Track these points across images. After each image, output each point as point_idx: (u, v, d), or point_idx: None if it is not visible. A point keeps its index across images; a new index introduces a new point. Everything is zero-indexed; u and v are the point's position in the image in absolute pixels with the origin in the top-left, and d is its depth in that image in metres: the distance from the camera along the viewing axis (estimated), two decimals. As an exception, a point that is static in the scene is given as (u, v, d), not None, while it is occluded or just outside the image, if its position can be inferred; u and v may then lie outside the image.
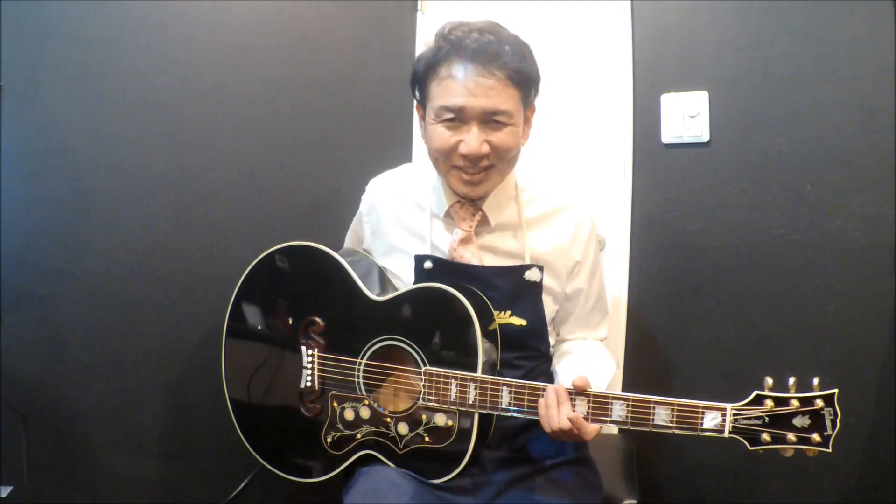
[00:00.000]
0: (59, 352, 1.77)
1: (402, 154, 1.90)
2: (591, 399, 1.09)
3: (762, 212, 1.63)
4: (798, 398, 1.01)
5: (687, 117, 1.68)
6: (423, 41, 1.87)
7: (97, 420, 1.78)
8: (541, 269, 1.26)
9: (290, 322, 1.32)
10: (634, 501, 1.35)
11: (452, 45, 1.16)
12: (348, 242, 1.54)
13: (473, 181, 1.21)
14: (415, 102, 1.30)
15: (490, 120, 1.17)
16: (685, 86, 1.70)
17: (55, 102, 1.76)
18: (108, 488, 1.79)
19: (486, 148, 1.17)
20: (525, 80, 1.19)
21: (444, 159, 1.22)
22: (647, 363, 1.73)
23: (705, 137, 1.68)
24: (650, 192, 1.74)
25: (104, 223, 1.78)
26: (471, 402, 1.16)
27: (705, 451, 1.68)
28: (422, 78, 1.21)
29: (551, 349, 1.38)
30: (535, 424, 1.22)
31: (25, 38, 1.74)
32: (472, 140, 1.16)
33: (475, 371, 1.16)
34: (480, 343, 1.16)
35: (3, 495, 1.64)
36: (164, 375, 1.81)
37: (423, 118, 1.26)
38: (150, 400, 1.81)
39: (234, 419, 1.37)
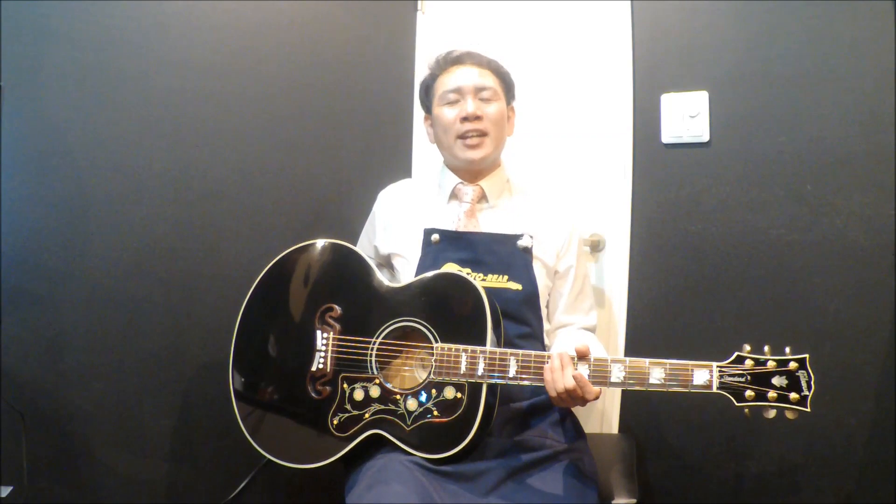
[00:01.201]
0: (59, 352, 1.77)
1: (401, 152, 1.90)
2: (592, 363, 1.19)
3: (762, 212, 1.63)
4: (774, 360, 1.12)
5: (687, 117, 1.69)
6: (424, 42, 1.90)
7: (97, 420, 1.78)
8: (531, 237, 1.44)
9: (307, 309, 1.38)
10: (634, 501, 1.36)
11: (450, 58, 1.51)
12: (360, 250, 1.56)
13: (474, 144, 1.46)
14: (423, 116, 1.57)
15: (480, 96, 1.47)
16: (685, 86, 1.70)
17: (55, 102, 1.76)
18: (108, 488, 1.79)
19: (479, 111, 1.45)
20: (504, 75, 1.53)
21: (451, 130, 1.47)
22: (647, 363, 1.73)
23: (705, 137, 1.68)
24: (650, 192, 1.74)
25: (104, 223, 1.78)
26: (480, 374, 1.23)
27: (705, 451, 1.68)
28: (429, 83, 1.53)
29: (546, 336, 1.46)
30: (537, 411, 1.35)
31: (25, 38, 1.74)
32: (469, 105, 1.45)
33: (483, 345, 1.24)
34: (489, 320, 1.25)
35: (3, 495, 1.64)
36: (164, 375, 1.81)
37: (431, 125, 1.55)
38: (150, 400, 1.81)
39: (234, 407, 1.36)
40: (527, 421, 1.35)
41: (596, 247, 1.80)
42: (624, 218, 1.76)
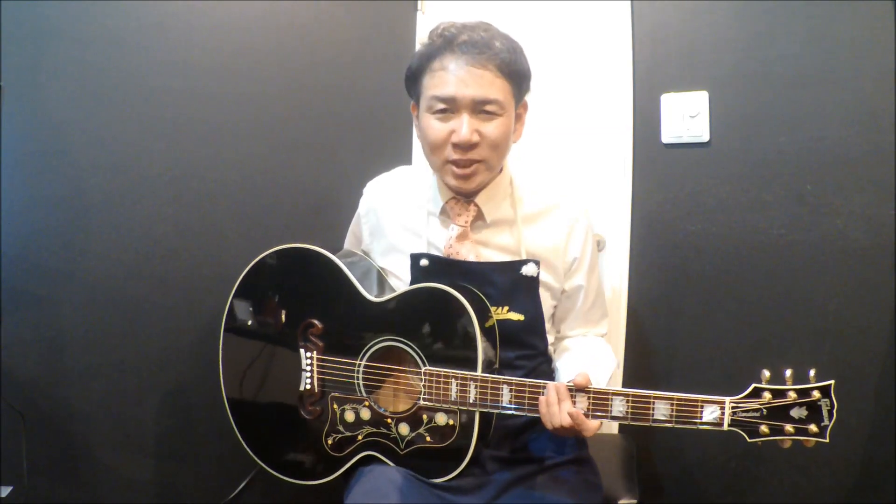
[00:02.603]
0: (59, 352, 1.77)
1: (401, 154, 1.90)
2: (591, 395, 1.10)
3: (762, 212, 1.63)
4: (795, 390, 1.02)
5: (687, 117, 1.68)
6: (421, 41, 1.89)
7: (97, 420, 1.78)
8: (537, 263, 1.26)
9: (288, 325, 1.32)
10: (634, 501, 1.36)
11: (445, 40, 1.20)
12: (348, 244, 1.54)
13: (464, 175, 1.22)
14: (411, 103, 1.32)
15: (481, 110, 1.19)
16: (685, 86, 1.69)
17: (55, 102, 1.76)
18: (108, 488, 1.79)
19: (476, 137, 1.19)
20: (516, 74, 1.22)
21: (438, 152, 1.23)
22: (646, 363, 1.73)
23: (705, 137, 1.68)
24: (650, 192, 1.74)
25: (104, 223, 1.78)
26: (471, 401, 1.16)
27: (705, 451, 1.68)
28: (416, 73, 1.24)
29: (551, 346, 1.38)
30: (536, 423, 1.23)
31: (25, 38, 1.74)
32: (463, 128, 1.17)
33: (475, 370, 1.16)
34: (480, 342, 1.16)
35: (3, 495, 1.64)
36: (164, 375, 1.81)
37: (417, 117, 1.29)
38: (150, 400, 1.81)
39: (233, 423, 1.37)
40: (526, 433, 1.30)
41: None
42: (624, 217, 1.76)
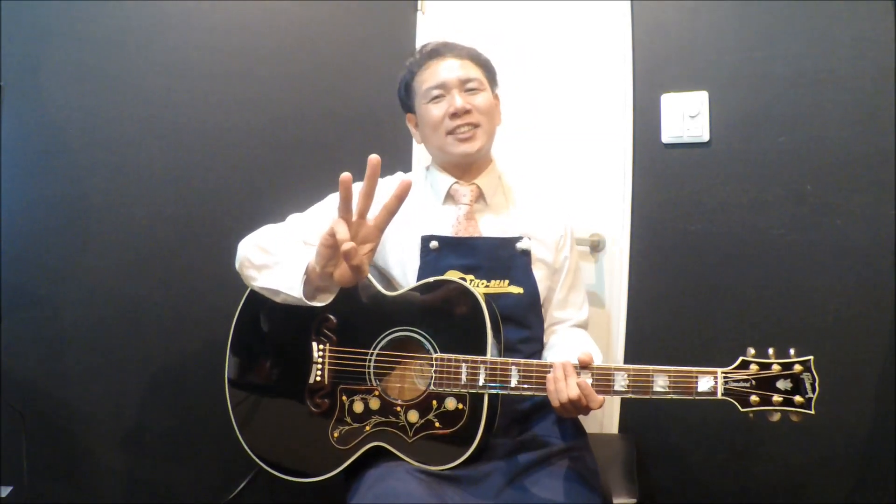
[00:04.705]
0: (59, 352, 1.77)
1: (401, 154, 1.90)
2: (595, 372, 1.17)
3: (762, 212, 1.63)
4: (779, 363, 1.11)
5: (687, 117, 1.69)
6: (424, 42, 1.89)
7: (97, 420, 1.78)
8: (530, 238, 1.41)
9: (303, 320, 1.33)
10: (634, 501, 1.36)
11: (426, 50, 1.45)
12: (312, 221, 1.46)
13: (466, 138, 1.41)
14: (407, 116, 1.51)
15: (466, 88, 1.42)
16: (685, 86, 1.70)
17: (55, 102, 1.76)
18: (108, 488, 1.79)
19: (468, 104, 1.40)
20: (484, 63, 1.47)
21: (439, 128, 1.42)
22: (646, 363, 1.73)
23: (705, 137, 1.68)
24: (650, 192, 1.74)
25: (104, 223, 1.78)
26: (481, 385, 1.21)
27: (705, 451, 1.68)
28: (408, 82, 1.47)
29: (544, 335, 1.44)
30: (538, 412, 1.33)
31: (25, 38, 1.75)
32: (457, 99, 1.39)
33: (484, 354, 1.22)
34: (489, 327, 1.23)
35: (3, 495, 1.64)
36: (164, 375, 1.81)
37: (416, 125, 1.49)
38: (150, 400, 1.81)
39: (233, 423, 1.36)
40: (529, 420, 1.35)
41: (596, 247, 1.80)
42: (624, 218, 1.76)
